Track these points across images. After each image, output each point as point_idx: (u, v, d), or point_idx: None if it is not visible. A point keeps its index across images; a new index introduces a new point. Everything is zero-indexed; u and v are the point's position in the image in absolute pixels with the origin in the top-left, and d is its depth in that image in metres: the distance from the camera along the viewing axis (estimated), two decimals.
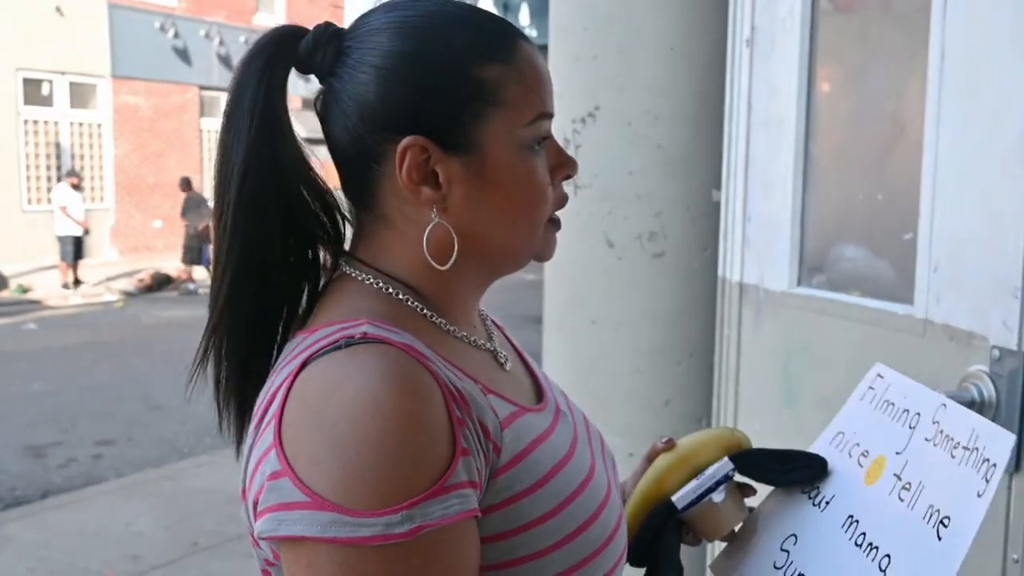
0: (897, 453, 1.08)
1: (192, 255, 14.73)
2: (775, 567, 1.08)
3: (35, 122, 17.09)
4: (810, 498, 1.12)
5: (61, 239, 13.96)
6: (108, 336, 10.58)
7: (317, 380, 0.76)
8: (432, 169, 0.85)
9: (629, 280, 2.53)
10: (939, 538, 0.96)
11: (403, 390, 0.74)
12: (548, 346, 2.78)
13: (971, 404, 1.39)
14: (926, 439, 1.06)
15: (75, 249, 13.94)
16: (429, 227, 0.86)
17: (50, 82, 17.28)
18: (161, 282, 14.82)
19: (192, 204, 14.79)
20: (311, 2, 22.28)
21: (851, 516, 1.07)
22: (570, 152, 2.66)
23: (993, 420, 1.35)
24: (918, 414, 1.09)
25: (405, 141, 0.84)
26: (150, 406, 7.30)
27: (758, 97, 2.14)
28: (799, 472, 1.13)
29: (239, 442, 0.88)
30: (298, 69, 0.91)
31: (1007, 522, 1.37)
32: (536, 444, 0.85)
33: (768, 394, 2.12)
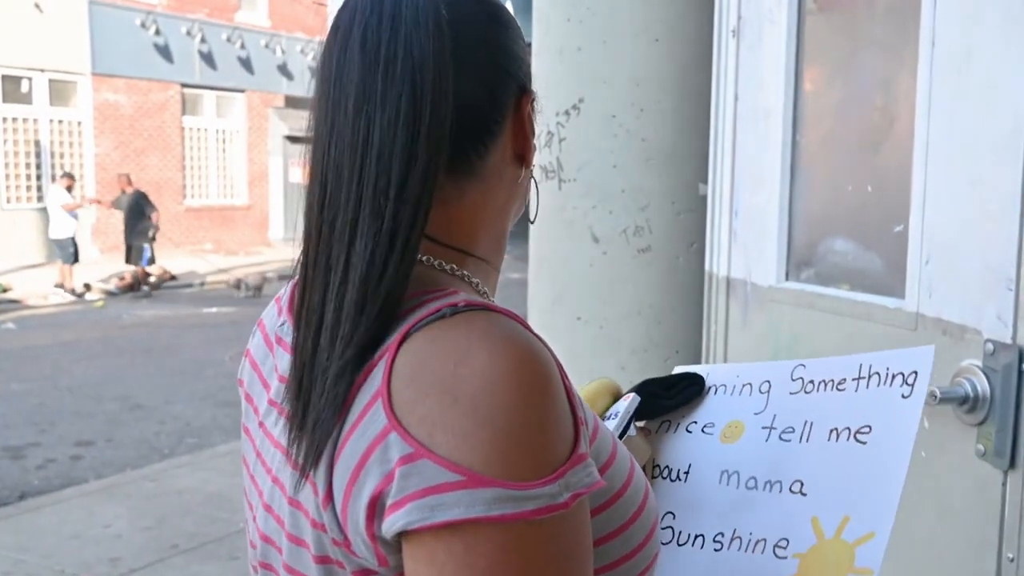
0: (756, 413, 1.09)
1: (137, 254, 14.41)
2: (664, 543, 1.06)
3: (14, 120, 16.92)
4: (664, 478, 1.12)
5: (60, 242, 13.64)
6: (88, 336, 10.47)
7: (433, 351, 0.70)
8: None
9: (614, 275, 2.50)
10: (863, 444, 0.97)
11: (532, 355, 0.70)
12: None
13: (964, 399, 1.36)
14: (791, 393, 1.07)
15: (75, 251, 13.71)
16: (519, 180, 0.87)
17: (29, 79, 17.11)
18: (143, 281, 14.68)
19: (133, 201, 14.50)
20: (294, 0, 22.19)
21: (724, 472, 1.07)
22: (556, 145, 2.63)
23: (987, 415, 1.33)
24: (767, 381, 1.11)
25: (531, 92, 0.86)
26: (130, 406, 7.21)
27: (745, 88, 2.11)
28: (686, 391, 1.14)
29: (320, 445, 0.72)
30: None
31: (1002, 521, 1.34)
32: (614, 456, 0.80)
33: None
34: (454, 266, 0.82)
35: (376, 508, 0.67)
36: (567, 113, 2.53)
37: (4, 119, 16.75)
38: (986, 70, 1.39)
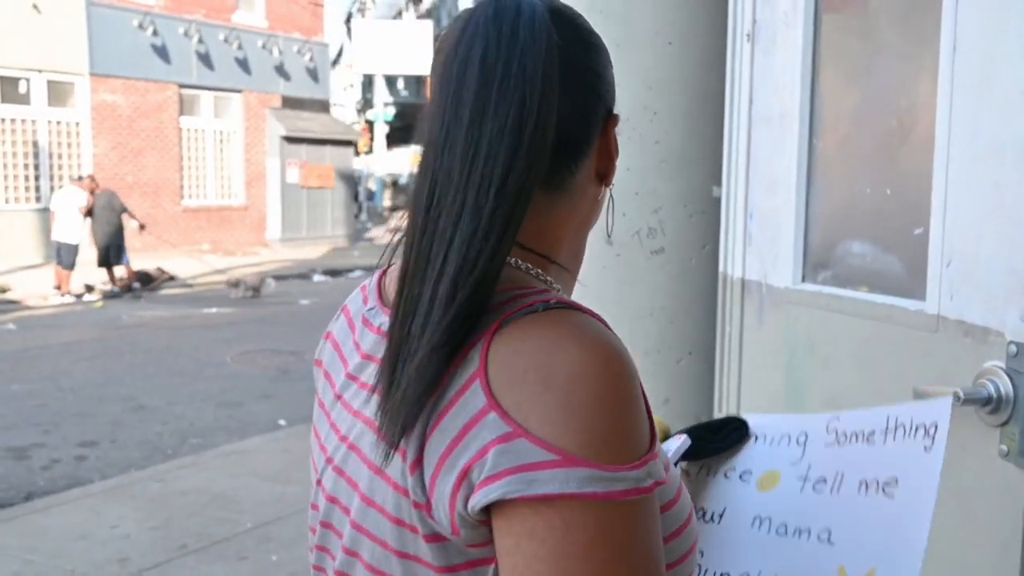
0: (792, 464, 1.14)
1: (112, 254, 14.00)
2: None
3: (12, 120, 16.89)
4: (699, 519, 1.15)
5: (67, 246, 13.41)
6: (88, 336, 10.47)
7: (529, 341, 0.76)
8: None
9: (627, 277, 2.52)
10: (891, 497, 1.00)
11: (619, 353, 0.76)
12: None
13: (987, 400, 1.38)
14: (825, 445, 1.11)
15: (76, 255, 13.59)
16: (599, 196, 0.97)
17: (27, 80, 17.08)
18: (142, 281, 14.67)
19: (102, 201, 14.04)
20: (291, 1, 22.18)
21: (757, 517, 1.11)
22: None
23: (1011, 415, 1.35)
24: (804, 432, 1.15)
25: (616, 113, 0.95)
26: (132, 407, 7.22)
27: (760, 92, 2.12)
28: (732, 435, 1.21)
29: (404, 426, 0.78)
30: None
31: None
32: (668, 468, 0.86)
33: (771, 392, 2.10)
34: (539, 271, 0.89)
35: (464, 481, 0.73)
36: None
37: (2, 120, 16.72)
38: (1008, 70, 1.41)
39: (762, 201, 2.12)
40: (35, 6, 16.83)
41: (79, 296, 13.45)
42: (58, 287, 13.47)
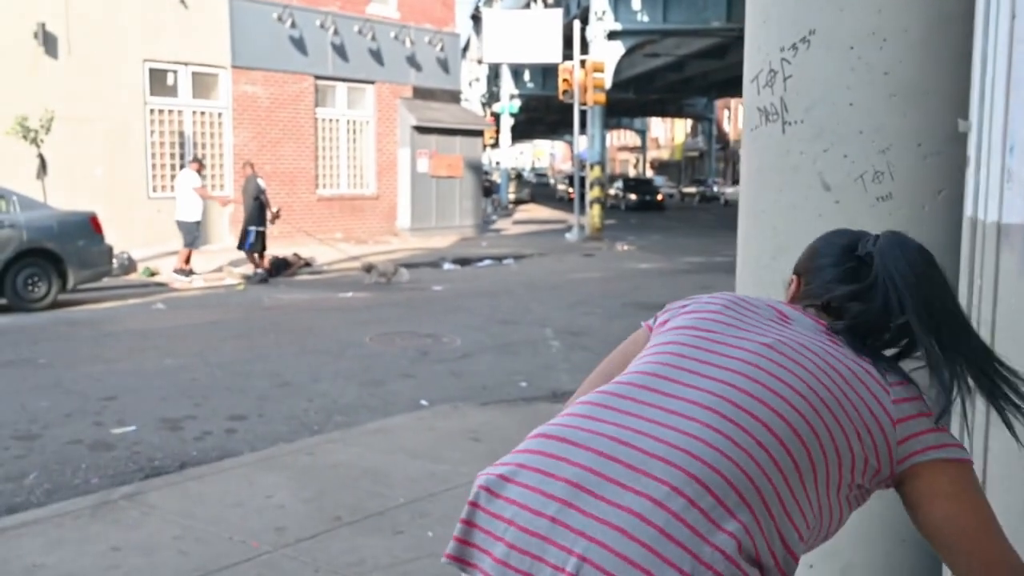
0: None
1: (245, 237, 14.51)
2: None
3: (160, 111, 17.56)
4: None
5: (186, 224, 14.08)
6: (232, 316, 10.73)
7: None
8: None
9: (848, 225, 2.25)
10: None
11: None
12: None
13: None
14: None
15: (197, 236, 14.12)
16: None
17: (174, 72, 17.72)
18: (279, 266, 15.01)
19: (244, 186, 14.79)
20: None
21: None
22: (778, 83, 2.39)
23: None
24: None
25: None
26: (278, 383, 7.29)
27: None
28: None
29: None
30: None
31: None
32: None
33: None
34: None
35: (906, 439, 1.33)
36: (794, 47, 2.29)
37: (152, 111, 17.40)
38: None
39: None
40: (182, 1, 17.43)
41: (184, 273, 13.87)
42: (181, 269, 13.93)
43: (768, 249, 2.40)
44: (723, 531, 1.11)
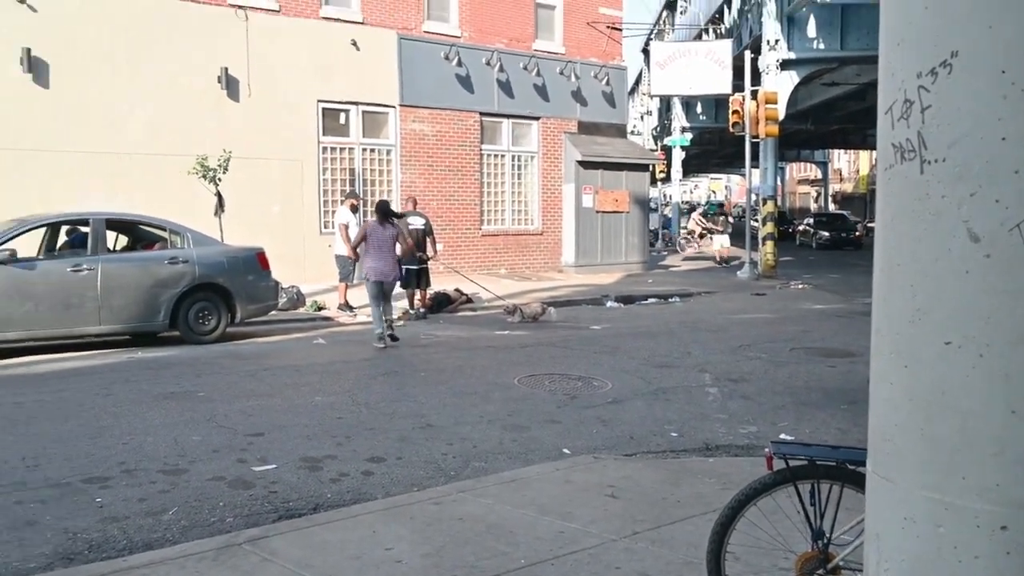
0: None
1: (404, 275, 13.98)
2: None
3: (332, 149, 18.25)
4: None
5: (340, 259, 14.47)
6: (386, 353, 10.82)
7: None
8: None
9: (1002, 285, 1.85)
10: None
11: None
12: (878, 374, 2.13)
13: None
14: None
15: (353, 270, 14.42)
16: None
17: (346, 112, 18.39)
18: (440, 302, 15.15)
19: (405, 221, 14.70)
20: (589, 27, 22.35)
21: None
22: (914, 115, 2.02)
23: None
24: None
25: None
26: (421, 424, 7.21)
27: None
28: None
29: None
30: None
31: None
32: None
33: None
34: None
35: None
36: (933, 73, 1.93)
37: (324, 148, 18.10)
38: None
39: None
40: (354, 42, 18.09)
41: (344, 308, 14.16)
42: (344, 305, 14.26)
43: (907, 312, 2.03)
44: None
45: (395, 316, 14.08)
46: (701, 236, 33.94)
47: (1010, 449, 1.86)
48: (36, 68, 15.24)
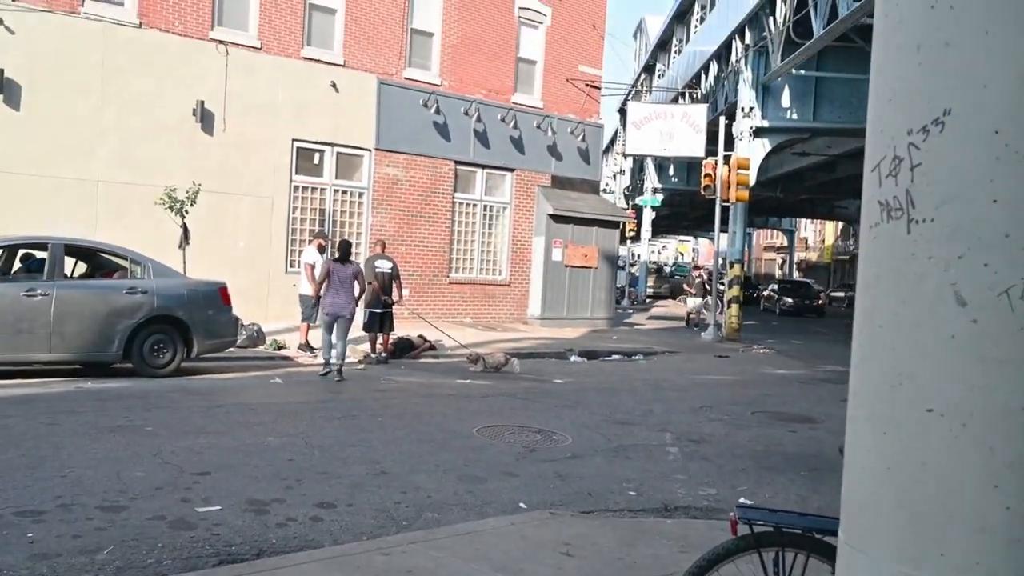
0: None
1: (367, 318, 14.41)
2: None
3: (304, 189, 18.12)
4: None
5: (304, 298, 14.32)
6: (345, 396, 10.62)
7: None
8: None
9: (989, 352, 1.77)
10: None
11: None
12: (854, 439, 2.04)
13: None
14: None
15: (315, 312, 14.20)
16: None
17: (320, 152, 18.32)
18: (403, 348, 14.96)
19: (369, 265, 14.65)
20: (568, 83, 22.56)
21: None
22: (904, 173, 1.95)
23: None
24: None
25: None
26: (375, 471, 7.01)
27: None
28: None
29: None
30: None
31: None
32: None
33: None
34: None
35: None
36: (924, 130, 1.86)
37: (296, 187, 17.97)
38: None
39: None
40: (334, 84, 18.09)
41: (304, 348, 14.00)
42: (304, 344, 14.10)
43: (887, 376, 1.94)
44: None
45: (355, 359, 13.90)
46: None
47: (992, 526, 1.76)
48: (8, 89, 15.04)
